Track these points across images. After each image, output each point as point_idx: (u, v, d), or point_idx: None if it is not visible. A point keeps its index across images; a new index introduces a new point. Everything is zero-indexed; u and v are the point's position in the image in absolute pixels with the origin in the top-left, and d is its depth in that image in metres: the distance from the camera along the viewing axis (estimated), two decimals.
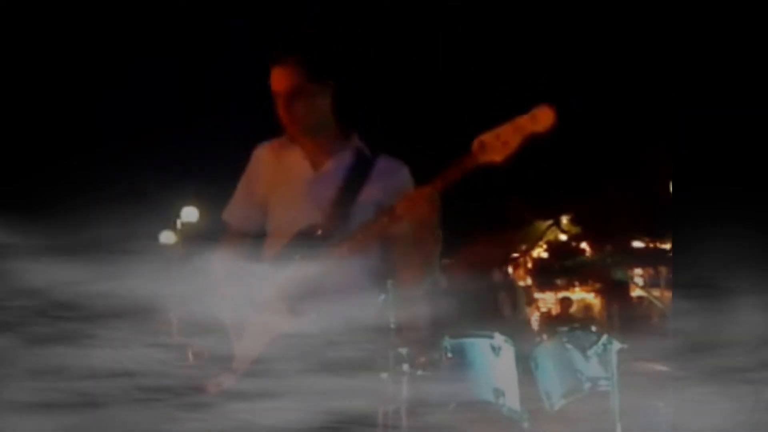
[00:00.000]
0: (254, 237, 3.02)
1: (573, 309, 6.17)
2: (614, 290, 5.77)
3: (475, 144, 2.70)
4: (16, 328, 2.39)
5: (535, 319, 5.85)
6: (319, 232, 2.87)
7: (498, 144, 2.68)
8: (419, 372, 3.19)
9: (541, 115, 2.68)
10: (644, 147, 6.04)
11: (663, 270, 6.26)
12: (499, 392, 3.25)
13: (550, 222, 6.34)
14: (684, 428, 2.69)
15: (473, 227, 5.01)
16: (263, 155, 3.05)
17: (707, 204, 2.64)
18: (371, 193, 2.90)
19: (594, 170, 6.25)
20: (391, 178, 2.93)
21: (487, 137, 2.69)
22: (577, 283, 6.39)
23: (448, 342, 3.34)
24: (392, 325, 3.03)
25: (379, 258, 2.94)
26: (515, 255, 6.14)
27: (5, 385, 2.38)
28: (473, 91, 4.68)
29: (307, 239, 2.87)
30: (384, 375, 3.05)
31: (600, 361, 3.42)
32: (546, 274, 6.10)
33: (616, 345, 3.40)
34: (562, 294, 6.25)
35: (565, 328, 3.68)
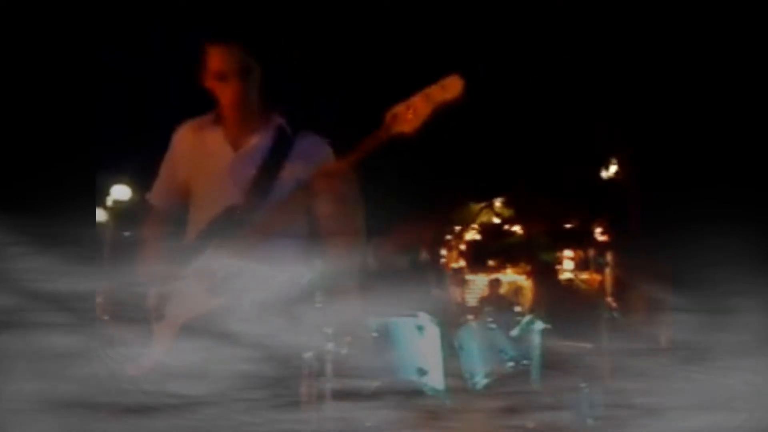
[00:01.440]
0: (177, 218, 3.01)
1: (503, 290, 6.26)
2: (542, 272, 5.89)
3: (388, 116, 2.74)
4: (15, 328, 2.42)
5: (466, 300, 5.94)
6: (239, 211, 2.87)
7: (409, 115, 2.72)
8: (344, 351, 3.22)
9: (450, 84, 2.73)
10: (579, 130, 6.15)
11: (593, 253, 6.40)
12: (422, 371, 3.30)
13: (483, 204, 6.41)
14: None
15: (405, 207, 5.06)
16: (184, 136, 3.04)
17: (707, 204, 2.72)
18: (292, 170, 2.91)
19: (528, 153, 6.34)
20: (312, 155, 2.94)
21: (398, 108, 2.74)
22: (508, 265, 6.49)
23: (373, 321, 3.37)
24: (318, 305, 3.06)
25: (305, 236, 2.96)
26: (448, 237, 6.20)
27: (6, 384, 2.40)
28: (396, 64, 4.71)
29: (227, 219, 2.88)
30: (308, 354, 3.08)
31: (522, 340, 3.51)
32: (478, 256, 6.19)
33: (539, 325, 3.49)
34: (493, 276, 6.34)
35: (490, 309, 3.77)
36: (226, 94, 2.91)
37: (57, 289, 2.44)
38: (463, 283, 6.00)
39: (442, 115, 2.83)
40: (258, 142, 2.97)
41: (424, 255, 4.83)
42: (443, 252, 5.89)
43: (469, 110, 2.98)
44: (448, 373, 3.46)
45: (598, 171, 6.38)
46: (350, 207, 2.88)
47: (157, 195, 3.07)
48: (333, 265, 2.90)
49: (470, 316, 3.78)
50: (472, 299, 5.90)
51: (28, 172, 2.50)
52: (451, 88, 2.75)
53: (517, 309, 3.70)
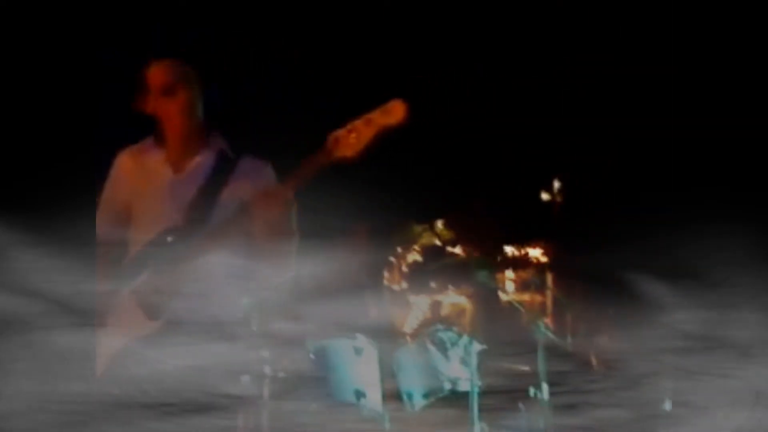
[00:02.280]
0: (119, 245, 3.00)
1: (445, 312, 6.31)
2: (483, 294, 5.93)
3: (330, 140, 2.79)
4: (15, 328, 2.43)
5: (407, 321, 5.97)
6: (178, 233, 2.88)
7: (350, 139, 2.77)
8: (281, 374, 3.23)
9: (393, 109, 2.80)
10: (519, 151, 6.26)
11: (533, 274, 6.48)
12: (360, 393, 3.33)
13: (424, 226, 6.46)
14: None
15: (344, 227, 5.09)
16: (123, 160, 3.06)
17: (706, 204, 2.78)
18: (233, 192, 2.94)
19: (470, 175, 6.42)
20: (253, 177, 2.98)
21: (340, 133, 2.79)
22: (450, 286, 6.54)
23: (311, 343, 3.39)
24: (254, 328, 3.07)
25: (244, 258, 2.97)
26: (390, 258, 6.22)
27: (6, 384, 2.42)
28: (341, 88, 4.74)
29: (165, 241, 2.88)
30: (245, 377, 3.08)
31: (461, 361, 3.54)
32: (420, 278, 6.23)
33: (477, 346, 3.53)
34: (435, 297, 6.38)
35: (429, 329, 3.79)
36: (172, 108, 2.93)
37: (57, 288, 2.46)
38: (405, 304, 6.02)
39: (383, 137, 2.88)
40: (199, 163, 3.00)
41: (362, 276, 4.86)
42: (385, 273, 5.90)
43: (409, 132, 3.03)
44: (386, 395, 3.49)
45: (538, 192, 6.47)
46: (286, 229, 2.92)
47: (99, 223, 3.06)
48: (267, 288, 2.92)
49: (407, 337, 3.79)
50: (413, 321, 5.93)
51: (28, 172, 2.53)
52: (393, 112, 2.82)
53: (456, 330, 3.72)
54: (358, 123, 2.82)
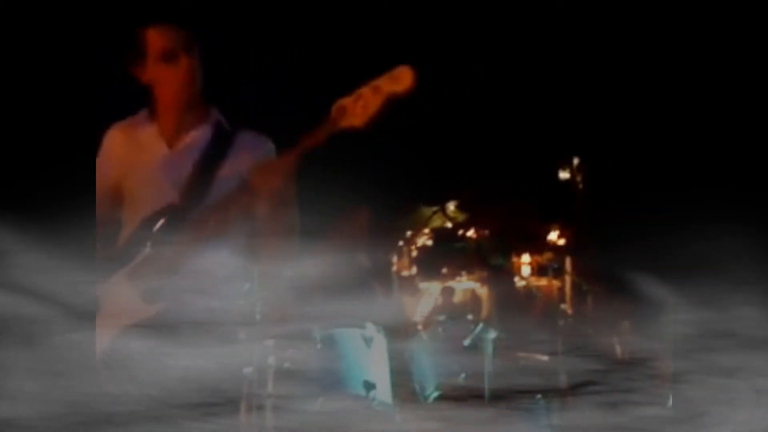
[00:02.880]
0: (113, 223, 3.00)
1: (457, 299, 6.30)
2: (497, 279, 5.92)
3: (334, 109, 2.76)
4: (15, 328, 2.52)
5: (418, 309, 5.97)
6: (174, 211, 2.86)
7: (357, 108, 2.74)
8: (286, 365, 3.23)
9: (401, 75, 2.76)
10: (535, 130, 6.23)
11: (550, 258, 6.47)
12: (369, 385, 3.32)
13: (435, 208, 6.44)
14: None
15: (350, 211, 5.07)
16: (114, 136, 3.03)
17: (706, 204, 2.82)
18: (232, 168, 2.92)
19: (481, 154, 6.39)
20: (253, 152, 2.95)
21: (346, 101, 2.76)
22: (463, 272, 6.53)
23: (317, 332, 3.38)
24: (258, 316, 3.06)
25: (245, 239, 2.96)
26: (399, 242, 6.21)
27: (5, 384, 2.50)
28: (338, 57, 4.70)
29: (161, 220, 2.87)
30: (248, 369, 3.08)
31: (475, 350, 3.54)
32: (430, 263, 6.21)
33: (492, 334, 3.52)
34: (447, 283, 6.38)
35: (441, 318, 3.79)
36: (172, 76, 2.90)
37: (57, 288, 2.52)
38: (415, 291, 6.02)
39: (390, 117, 2.86)
40: (195, 138, 2.97)
41: (365, 260, 4.85)
42: (393, 259, 5.89)
43: (419, 109, 3.01)
44: (397, 387, 3.49)
45: (555, 172, 6.44)
46: (288, 207, 2.90)
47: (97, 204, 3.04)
48: (271, 272, 2.91)
49: (420, 326, 3.79)
50: (425, 308, 5.93)
51: (28, 172, 2.59)
52: (401, 79, 2.78)
53: (470, 317, 3.72)
54: (364, 90, 2.78)
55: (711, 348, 3.12)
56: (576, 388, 3.49)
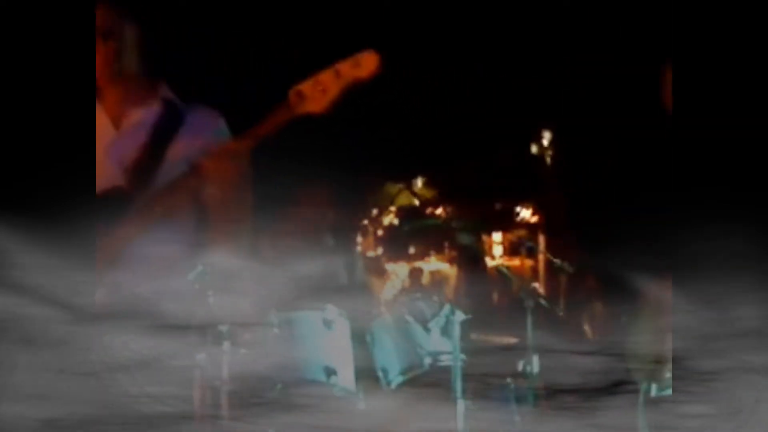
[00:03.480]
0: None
1: (426, 280, 6.33)
2: (467, 258, 5.96)
3: (292, 94, 2.74)
4: (15, 327, 2.60)
5: (383, 291, 5.99)
6: (120, 195, 2.86)
7: (317, 93, 2.73)
8: (242, 351, 3.23)
9: (364, 60, 2.75)
10: (505, 101, 6.24)
11: (522, 236, 6.52)
12: (330, 370, 3.34)
13: (401, 185, 6.46)
14: None
15: (310, 189, 5.06)
16: None
17: (706, 204, 2.89)
18: (182, 148, 2.91)
19: (451, 127, 6.39)
20: (205, 132, 2.95)
21: (305, 86, 2.75)
22: (432, 251, 6.55)
23: (274, 316, 3.38)
24: (210, 298, 3.06)
25: (194, 224, 2.96)
26: (364, 222, 6.23)
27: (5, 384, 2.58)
28: (299, 35, 4.68)
29: (107, 203, 2.86)
30: (201, 356, 3.08)
31: (442, 333, 3.55)
32: (397, 243, 6.23)
33: (459, 316, 3.52)
34: (415, 264, 6.40)
35: (405, 299, 3.79)
36: (106, 53, 2.89)
37: (57, 288, 2.62)
38: (381, 272, 6.04)
39: (354, 90, 2.85)
40: (142, 117, 2.96)
41: (330, 241, 4.86)
42: (358, 238, 5.90)
43: (383, 80, 3.01)
44: (360, 372, 3.51)
45: (527, 146, 6.48)
46: (241, 192, 2.89)
47: None
48: (224, 256, 2.91)
49: (383, 308, 3.79)
50: (390, 290, 5.96)
51: (28, 172, 2.66)
52: (365, 64, 2.77)
53: (436, 299, 3.73)
54: (324, 75, 2.77)
55: (738, 346, 3.19)
56: (612, 387, 3.54)
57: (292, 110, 2.76)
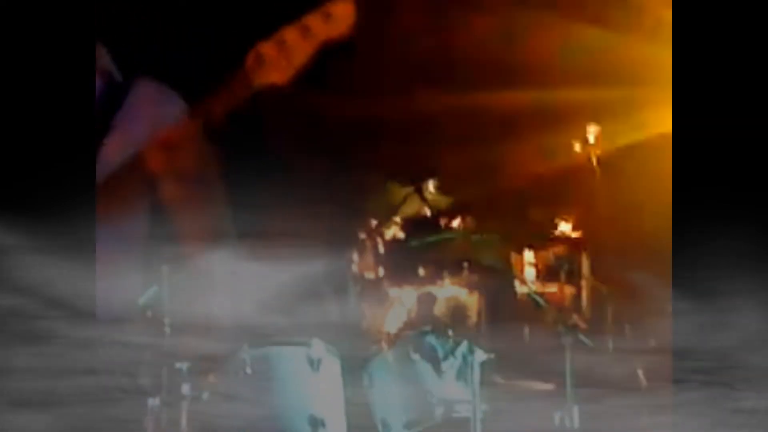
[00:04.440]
0: None
1: (439, 309, 6.34)
2: (490, 284, 5.96)
3: (251, 57, 2.68)
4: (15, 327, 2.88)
5: (385, 323, 5.99)
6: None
7: (281, 57, 2.67)
8: (205, 395, 3.25)
9: (338, 12, 2.67)
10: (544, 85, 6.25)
11: (561, 255, 6.53)
12: (316, 421, 3.35)
13: (408, 189, 6.46)
14: None
15: (296, 193, 5.08)
16: None
17: (706, 204, 3.10)
18: (126, 129, 2.91)
19: (472, 119, 6.38)
20: (152, 112, 2.94)
21: (266, 47, 2.67)
22: (445, 274, 6.53)
23: (247, 351, 3.40)
24: (167, 328, 3.08)
25: (146, 228, 2.97)
26: (362, 235, 6.24)
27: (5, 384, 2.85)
28: None
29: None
30: (153, 400, 3.10)
31: (458, 377, 3.56)
32: (403, 262, 6.21)
33: (480, 355, 3.54)
34: (425, 289, 6.40)
35: (414, 334, 3.80)
36: None
37: (56, 288, 2.92)
38: (383, 299, 6.05)
39: (334, 58, 2.82)
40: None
41: (322, 259, 4.86)
42: (354, 256, 5.92)
43: (386, 54, 2.99)
44: (353, 424, 3.52)
45: (569, 143, 6.49)
46: (205, 190, 2.88)
47: None
48: (188, 269, 2.92)
49: (383, 343, 3.81)
50: (394, 322, 5.96)
51: (28, 172, 3.00)
52: (338, 18, 2.70)
53: (450, 334, 3.73)
54: (289, 33, 2.71)
55: None
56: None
57: (250, 79, 2.70)
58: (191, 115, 2.74)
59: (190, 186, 2.82)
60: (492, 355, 3.56)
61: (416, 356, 3.63)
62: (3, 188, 2.96)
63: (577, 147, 6.54)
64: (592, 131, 6.50)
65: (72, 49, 2.95)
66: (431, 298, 6.38)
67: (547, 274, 6.72)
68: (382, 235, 6.30)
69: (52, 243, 2.94)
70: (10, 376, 2.94)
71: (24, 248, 2.96)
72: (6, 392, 2.92)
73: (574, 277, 6.45)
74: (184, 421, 3.11)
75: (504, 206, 6.46)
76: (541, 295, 5.16)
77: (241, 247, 3.25)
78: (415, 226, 6.36)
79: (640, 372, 4.31)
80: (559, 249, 6.75)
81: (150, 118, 2.85)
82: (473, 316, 6.21)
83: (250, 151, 3.21)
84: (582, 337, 3.79)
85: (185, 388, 3.14)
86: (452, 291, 6.34)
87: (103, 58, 2.99)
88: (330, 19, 2.64)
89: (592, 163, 6.14)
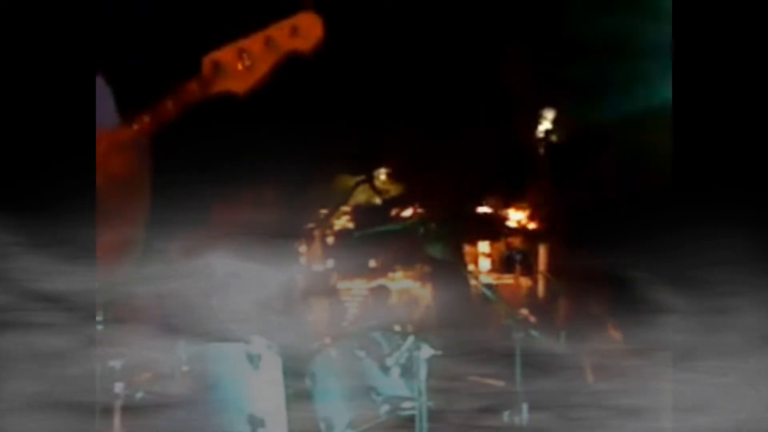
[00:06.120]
0: None
1: (392, 302, 6.35)
2: (444, 275, 5.98)
3: (207, 64, 2.69)
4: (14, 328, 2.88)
5: (331, 318, 5.98)
6: None
7: (240, 66, 2.68)
8: (139, 395, 3.22)
9: (305, 24, 2.69)
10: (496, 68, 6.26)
11: (516, 246, 6.56)
12: (256, 421, 3.33)
13: (359, 178, 6.47)
14: None
15: (239, 184, 5.07)
16: None
17: (706, 204, 3.17)
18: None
19: (423, 106, 6.39)
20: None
21: (223, 54, 2.69)
22: (398, 266, 6.53)
23: (183, 348, 3.38)
24: (99, 325, 3.05)
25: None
26: (309, 225, 6.24)
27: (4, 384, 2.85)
28: None
29: None
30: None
31: (403, 373, 3.56)
32: (353, 253, 6.20)
33: (426, 351, 3.53)
34: (377, 281, 6.41)
35: (357, 329, 3.80)
36: None
37: (56, 288, 2.91)
38: (331, 292, 6.05)
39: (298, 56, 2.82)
40: None
41: (258, 249, 4.84)
42: (300, 247, 5.92)
43: (333, 50, 2.99)
44: (295, 424, 3.51)
45: (529, 128, 6.53)
46: (135, 190, 2.87)
47: None
48: (114, 265, 2.91)
49: (326, 339, 3.79)
50: (342, 316, 5.96)
51: (28, 172, 3.00)
52: (306, 30, 2.71)
53: (397, 329, 3.73)
54: (252, 42, 2.72)
55: None
56: None
57: (205, 87, 2.70)
58: (132, 121, 2.74)
59: (123, 189, 2.83)
60: (439, 352, 3.55)
61: (361, 353, 3.62)
62: (3, 188, 2.97)
63: (540, 133, 6.58)
64: (551, 115, 6.54)
65: (72, 48, 2.98)
66: (385, 291, 6.39)
67: (501, 265, 6.75)
68: (331, 225, 6.30)
69: (52, 243, 2.91)
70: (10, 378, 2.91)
71: (23, 248, 2.93)
72: (7, 393, 2.89)
73: (528, 268, 6.48)
74: (117, 424, 3.08)
75: (456, 195, 6.48)
76: (495, 287, 5.15)
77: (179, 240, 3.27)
78: (365, 216, 6.36)
79: (587, 369, 4.34)
80: (515, 240, 6.78)
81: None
82: (421, 310, 6.22)
83: (194, 144, 3.20)
84: (533, 331, 3.79)
85: (118, 387, 3.11)
86: (404, 284, 6.35)
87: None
88: (296, 31, 2.64)
89: (543, 153, 6.18)
